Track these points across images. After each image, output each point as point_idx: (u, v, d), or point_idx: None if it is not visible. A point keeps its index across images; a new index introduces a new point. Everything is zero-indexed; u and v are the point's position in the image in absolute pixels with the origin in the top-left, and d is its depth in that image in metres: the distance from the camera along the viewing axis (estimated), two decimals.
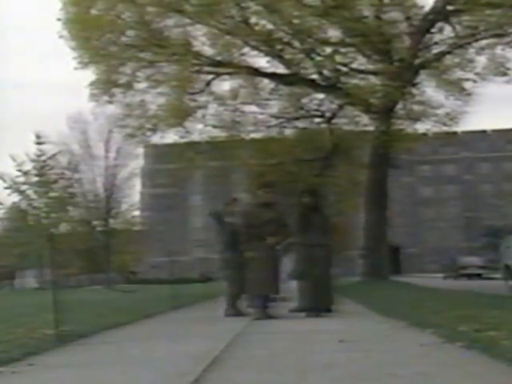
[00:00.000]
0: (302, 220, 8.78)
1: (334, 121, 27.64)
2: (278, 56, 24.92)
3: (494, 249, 19.46)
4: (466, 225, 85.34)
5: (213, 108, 26.56)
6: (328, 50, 25.03)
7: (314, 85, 25.99)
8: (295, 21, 23.40)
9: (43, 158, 8.18)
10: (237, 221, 9.35)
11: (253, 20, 24.03)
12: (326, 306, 8.64)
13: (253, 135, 27.64)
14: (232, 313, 9.37)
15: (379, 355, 4.70)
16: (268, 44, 24.31)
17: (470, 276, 37.08)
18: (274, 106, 27.20)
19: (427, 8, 24.06)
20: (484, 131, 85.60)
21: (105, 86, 25.12)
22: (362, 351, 4.95)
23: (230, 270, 9.60)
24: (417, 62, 24.33)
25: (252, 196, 9.56)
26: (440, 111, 25.60)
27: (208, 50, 25.55)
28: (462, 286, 20.32)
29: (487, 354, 4.31)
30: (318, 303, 8.56)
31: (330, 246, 8.97)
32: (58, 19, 24.20)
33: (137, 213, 61.91)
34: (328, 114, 27.44)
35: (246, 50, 25.18)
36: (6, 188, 7.95)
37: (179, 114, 25.06)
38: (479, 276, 36.94)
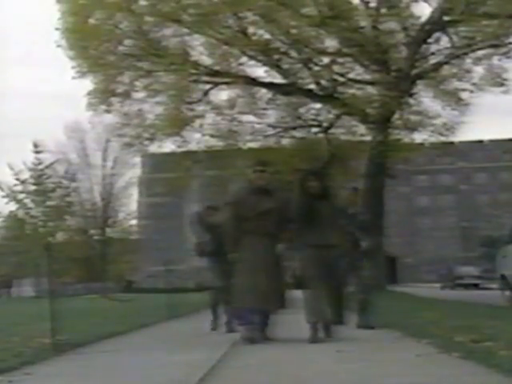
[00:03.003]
0: (305, 212, 6.65)
1: (331, 131, 27.65)
2: (275, 66, 24.96)
3: (491, 259, 19.45)
4: (462, 235, 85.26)
5: (210, 117, 26.60)
6: (325, 59, 25.09)
7: (311, 94, 26.03)
8: (292, 31, 23.46)
9: (41, 166, 8.20)
10: (221, 218, 7.54)
11: (250, 30, 24.08)
12: (337, 320, 6.78)
13: (250, 145, 27.64)
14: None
15: (376, 365, 4.70)
16: (265, 54, 24.35)
17: (466, 286, 37.02)
18: (272, 116, 27.22)
19: (424, 18, 24.09)
20: (481, 141, 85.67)
21: (103, 96, 25.13)
22: (358, 361, 4.96)
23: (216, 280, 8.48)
24: (414, 72, 24.36)
25: (245, 182, 7.51)
26: (437, 121, 25.61)
27: (206, 60, 25.59)
28: (458, 296, 20.31)
29: (484, 365, 4.30)
30: (331, 315, 6.60)
31: (344, 245, 6.90)
32: (57, 29, 24.23)
33: (134, 222, 62.03)
34: (325, 124, 27.46)
35: (244, 59, 25.20)
36: (4, 197, 7.96)
37: (177, 124, 25.09)
38: (476, 286, 36.89)
